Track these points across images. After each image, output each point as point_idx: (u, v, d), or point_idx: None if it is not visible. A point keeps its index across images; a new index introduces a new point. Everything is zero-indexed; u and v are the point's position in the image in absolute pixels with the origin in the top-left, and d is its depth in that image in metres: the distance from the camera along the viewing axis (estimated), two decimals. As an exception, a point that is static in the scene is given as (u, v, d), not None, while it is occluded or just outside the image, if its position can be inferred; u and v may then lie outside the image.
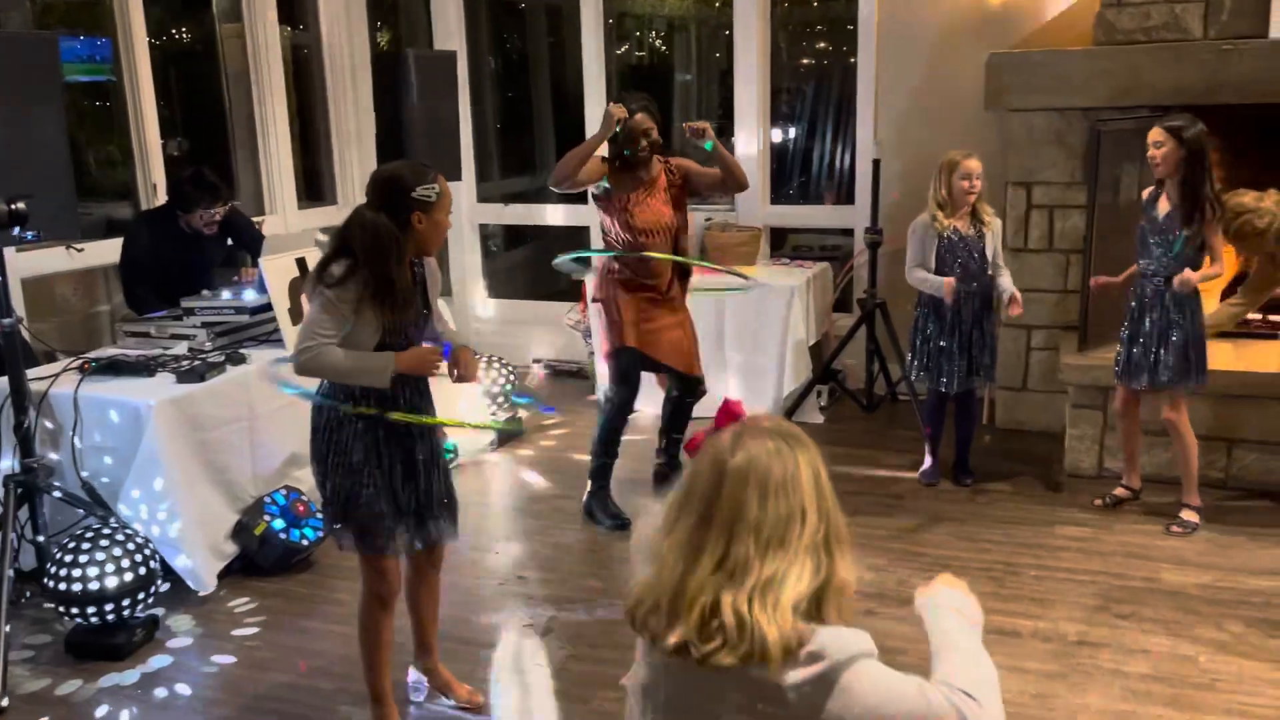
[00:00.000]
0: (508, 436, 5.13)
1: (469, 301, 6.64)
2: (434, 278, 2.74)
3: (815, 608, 1.36)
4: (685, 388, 4.25)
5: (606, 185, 3.99)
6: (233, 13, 5.65)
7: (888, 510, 4.21)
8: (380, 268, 2.45)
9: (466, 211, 6.56)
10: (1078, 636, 3.23)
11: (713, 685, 1.35)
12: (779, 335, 5.17)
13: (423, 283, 2.68)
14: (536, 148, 7.54)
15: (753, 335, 5.19)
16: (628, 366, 4.06)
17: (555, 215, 6.44)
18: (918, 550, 3.84)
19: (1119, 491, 4.18)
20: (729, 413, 1.62)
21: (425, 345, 2.64)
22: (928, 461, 4.47)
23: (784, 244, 6.23)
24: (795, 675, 1.30)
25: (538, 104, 7.47)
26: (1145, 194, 3.97)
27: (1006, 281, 4.21)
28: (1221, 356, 4.09)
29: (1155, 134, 3.73)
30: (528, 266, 7.35)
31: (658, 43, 8.02)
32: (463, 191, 6.44)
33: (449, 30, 6.23)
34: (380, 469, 2.62)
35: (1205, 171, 3.71)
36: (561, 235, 6.70)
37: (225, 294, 4.20)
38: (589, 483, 4.20)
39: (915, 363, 4.38)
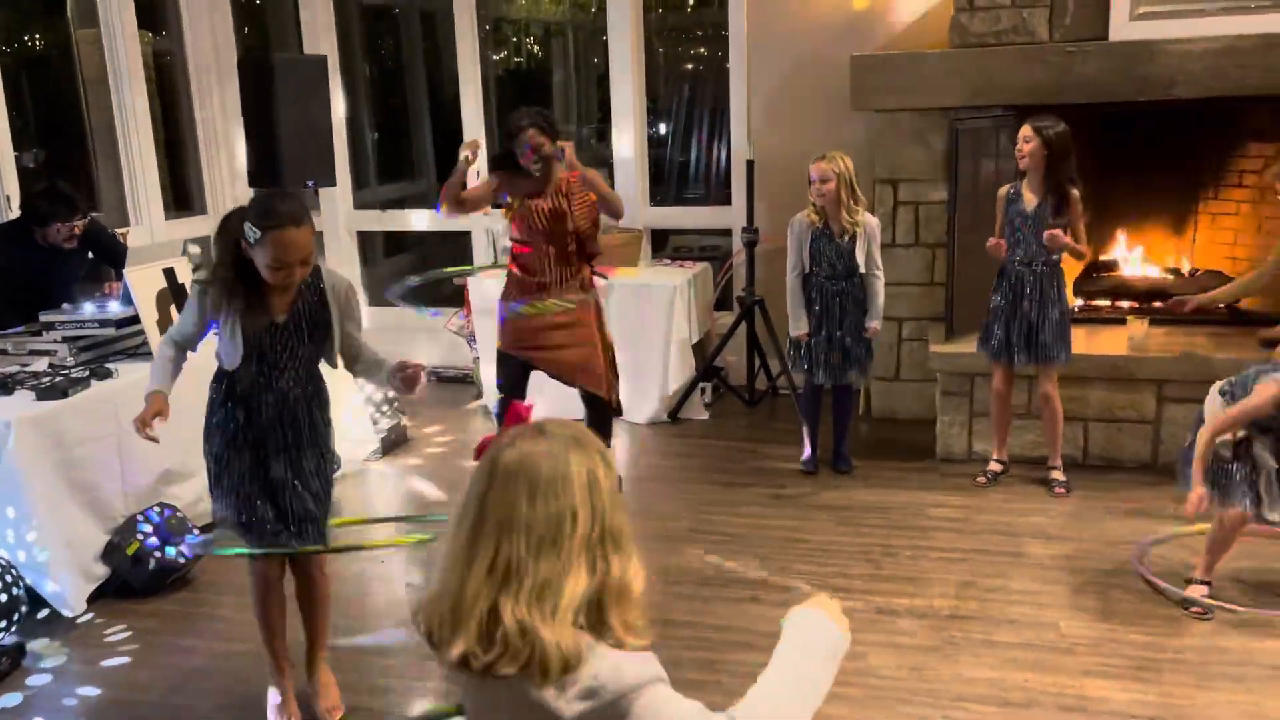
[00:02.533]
0: (391, 445, 5.07)
1: (349, 310, 6.51)
2: (338, 302, 2.70)
3: (597, 613, 1.31)
4: (587, 405, 4.12)
5: (507, 200, 4.03)
6: (88, 18, 5.44)
7: (771, 500, 4.32)
8: (219, 275, 2.54)
9: (344, 219, 6.46)
10: (950, 611, 3.38)
11: (499, 705, 1.32)
12: (662, 334, 5.25)
13: (310, 307, 2.65)
14: (415, 153, 7.47)
15: (636, 335, 5.25)
16: (501, 368, 4.08)
17: (435, 220, 6.40)
18: (799, 538, 3.95)
19: (994, 467, 4.43)
20: (515, 415, 1.54)
21: (156, 396, 2.62)
22: (807, 451, 4.61)
23: (665, 245, 6.33)
24: (576, 708, 1.25)
25: (415, 109, 7.40)
26: (1007, 189, 4.20)
27: (875, 302, 4.31)
28: (1074, 341, 4.33)
29: (1025, 131, 4.05)
30: (409, 273, 7.27)
31: (535, 48, 8.04)
32: (338, 198, 6.35)
33: (318, 35, 6.13)
34: (238, 464, 2.65)
35: (1068, 166, 4.02)
36: (441, 241, 6.67)
37: (88, 307, 4.05)
38: None
39: (793, 357, 4.51)
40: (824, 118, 5.29)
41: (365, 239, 6.74)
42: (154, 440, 2.58)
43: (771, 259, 5.27)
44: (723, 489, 4.45)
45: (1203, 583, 3.33)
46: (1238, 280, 4.41)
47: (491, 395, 5.01)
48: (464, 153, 3.95)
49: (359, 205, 6.59)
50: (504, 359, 4.09)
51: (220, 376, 2.69)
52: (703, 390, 5.47)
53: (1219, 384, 3.38)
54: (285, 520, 2.68)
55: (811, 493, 4.39)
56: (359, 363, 2.83)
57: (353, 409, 4.82)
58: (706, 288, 5.77)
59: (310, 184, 5.23)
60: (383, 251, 7.23)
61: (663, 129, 6.71)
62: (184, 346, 2.71)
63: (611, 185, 5.21)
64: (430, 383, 6.23)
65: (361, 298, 6.59)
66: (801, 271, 4.32)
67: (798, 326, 4.36)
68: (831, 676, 1.43)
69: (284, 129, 4.69)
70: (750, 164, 5.33)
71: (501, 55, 7.66)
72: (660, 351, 5.26)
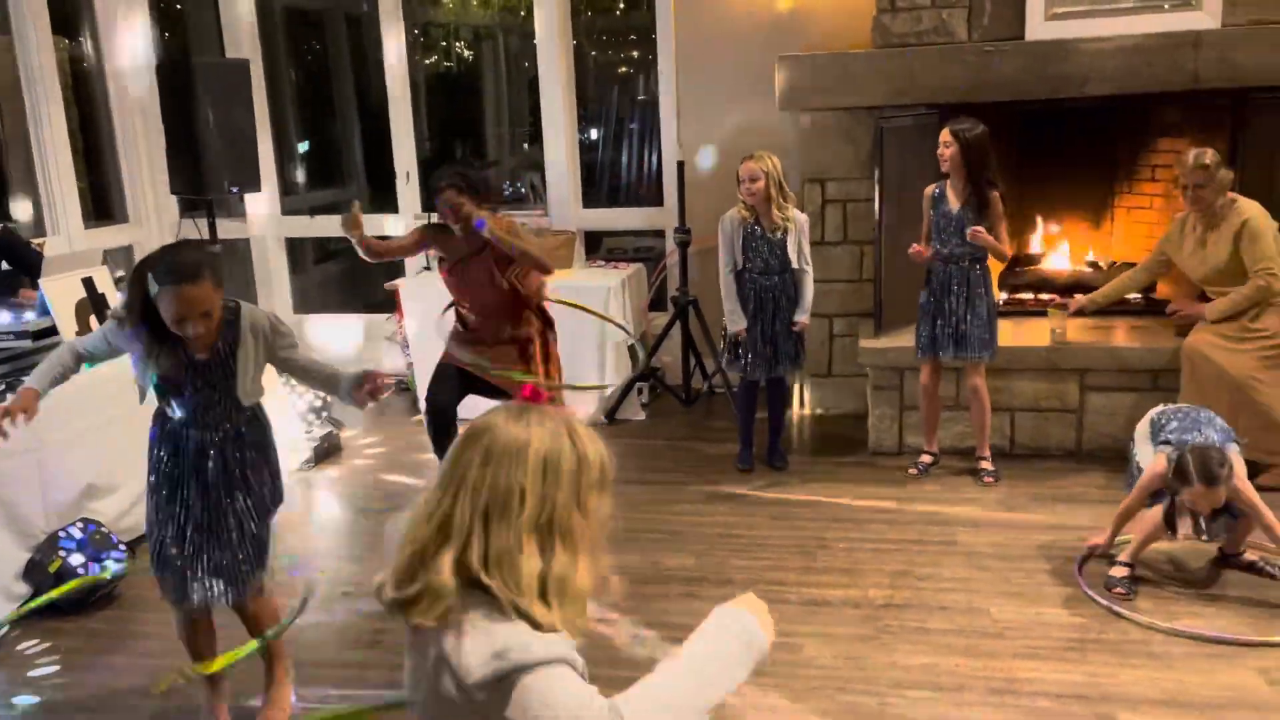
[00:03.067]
0: (324, 454, 5.01)
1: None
2: (259, 340, 2.62)
3: (542, 593, 1.34)
4: None
5: (440, 256, 3.97)
6: (0, 24, 5.28)
7: (707, 498, 4.35)
8: (128, 319, 2.49)
9: (271, 225, 6.36)
10: (884, 600, 3.43)
11: (425, 661, 1.35)
12: (598, 336, 5.25)
13: (230, 345, 2.58)
14: (344, 158, 7.38)
15: (572, 337, 5.24)
16: (438, 381, 3.96)
17: (368, 227, 6.31)
18: (736, 534, 3.98)
19: (925, 458, 4.52)
20: (534, 395, 1.60)
21: (28, 392, 2.53)
22: (742, 448, 4.65)
23: (599, 247, 6.34)
24: (478, 673, 1.27)
25: (343, 114, 7.31)
26: (932, 189, 4.29)
27: (805, 297, 4.35)
28: (1000, 334, 4.43)
29: (944, 135, 4.15)
30: (340, 279, 7.19)
31: (464, 52, 8.00)
32: (265, 204, 6.25)
33: (240, 39, 6.02)
34: (157, 504, 2.59)
35: (986, 168, 4.13)
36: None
37: (3, 318, 3.93)
38: None
39: (727, 355, 4.55)
40: (753, 117, 5.34)
41: (294, 246, 6.64)
42: (2, 436, 2.45)
43: (704, 259, 5.31)
44: (660, 488, 4.47)
45: (1126, 564, 3.43)
46: (1117, 279, 4.57)
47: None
48: (353, 235, 3.79)
49: (287, 211, 6.49)
50: (443, 371, 3.97)
51: (157, 413, 2.64)
52: (640, 391, 5.48)
53: (1152, 414, 3.55)
54: (196, 570, 2.61)
55: (747, 489, 4.42)
56: (311, 380, 2.80)
57: (281, 413, 4.74)
58: (641, 288, 5.78)
59: (234, 190, 5.15)
60: (313, 258, 7.13)
61: (594, 132, 6.72)
62: (83, 360, 2.65)
63: (544, 189, 5.24)
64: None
65: (288, 305, 6.51)
66: (735, 269, 4.36)
67: (735, 322, 4.38)
68: (741, 674, 1.39)
69: (205, 134, 4.61)
70: (681, 165, 5.36)
71: (431, 60, 7.60)
72: (596, 353, 5.27)
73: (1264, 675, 2.88)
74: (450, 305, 4.09)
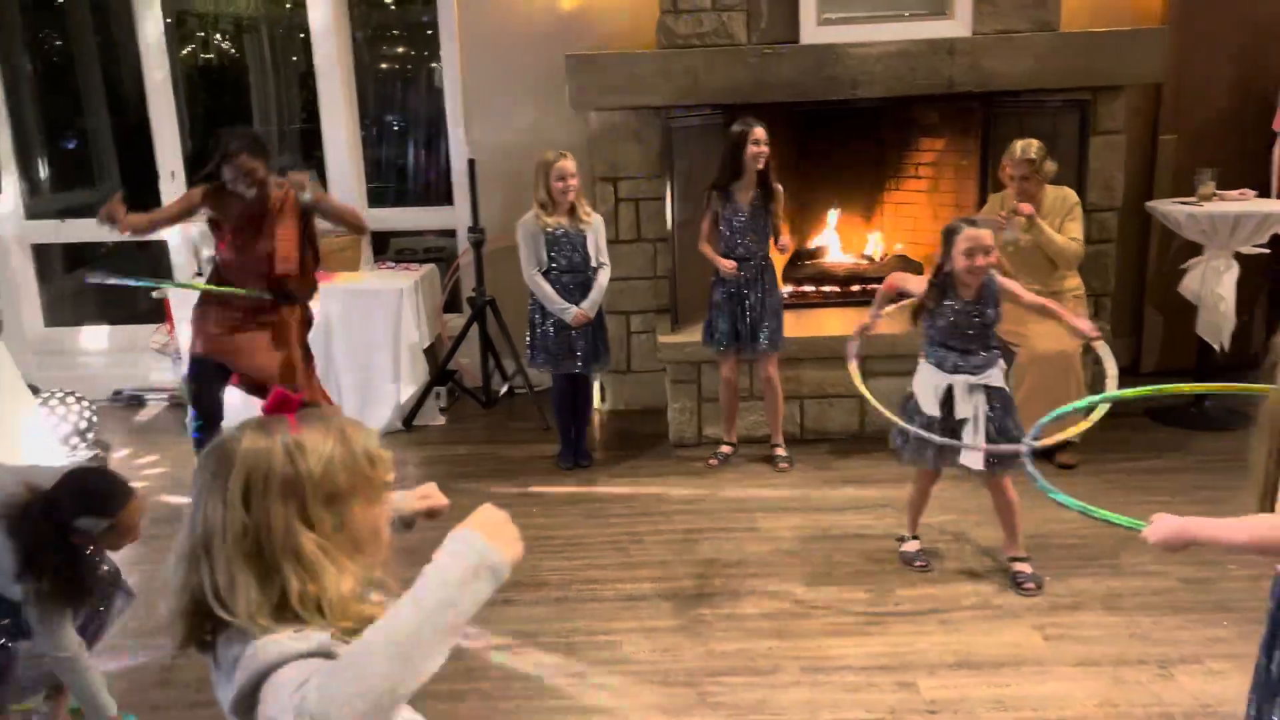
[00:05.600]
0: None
1: (24, 334, 5.81)
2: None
3: (279, 615, 1.26)
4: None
5: (212, 216, 3.97)
6: None
7: (516, 500, 4.30)
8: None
9: (15, 230, 5.78)
10: (696, 590, 3.51)
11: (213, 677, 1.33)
12: (391, 340, 5.09)
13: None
14: (94, 157, 6.79)
15: (364, 342, 5.07)
16: (198, 377, 3.93)
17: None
18: (547, 534, 3.97)
19: (725, 449, 4.65)
20: (281, 402, 1.36)
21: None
22: (563, 448, 4.64)
23: (387, 248, 6.14)
24: (237, 681, 1.21)
25: (92, 109, 6.72)
26: (722, 187, 4.40)
27: (593, 292, 4.37)
28: (786, 325, 4.62)
29: (760, 133, 4.24)
30: (99, 287, 6.61)
31: (227, 44, 7.53)
32: (6, 206, 5.67)
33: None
34: None
35: (771, 165, 4.31)
36: (136, 251, 6.12)
37: None
38: None
39: (530, 353, 4.52)
40: (543, 116, 5.33)
41: (42, 253, 6.05)
42: None
43: (499, 258, 5.25)
44: (467, 494, 4.36)
45: (913, 538, 3.66)
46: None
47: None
48: (116, 224, 3.72)
49: (32, 215, 5.91)
50: (197, 365, 3.99)
51: None
52: (438, 395, 5.36)
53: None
54: None
55: (556, 489, 4.41)
56: None
57: (39, 436, 4.32)
58: (434, 290, 5.65)
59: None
60: (62, 266, 6.52)
61: (377, 129, 6.50)
62: None
63: (325, 187, 5.02)
64: (163, 407, 5.69)
65: (38, 318, 5.95)
66: (540, 269, 4.34)
67: (567, 315, 4.34)
68: (471, 595, 1.22)
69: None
70: (472, 163, 5.27)
71: (188, 51, 7.11)
72: (390, 358, 5.10)
73: (1040, 631, 3.15)
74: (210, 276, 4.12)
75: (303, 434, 1.30)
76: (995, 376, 3.35)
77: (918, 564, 3.58)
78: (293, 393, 1.35)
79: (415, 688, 1.14)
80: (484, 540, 1.24)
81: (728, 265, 4.34)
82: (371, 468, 1.33)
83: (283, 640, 1.21)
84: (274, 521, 1.25)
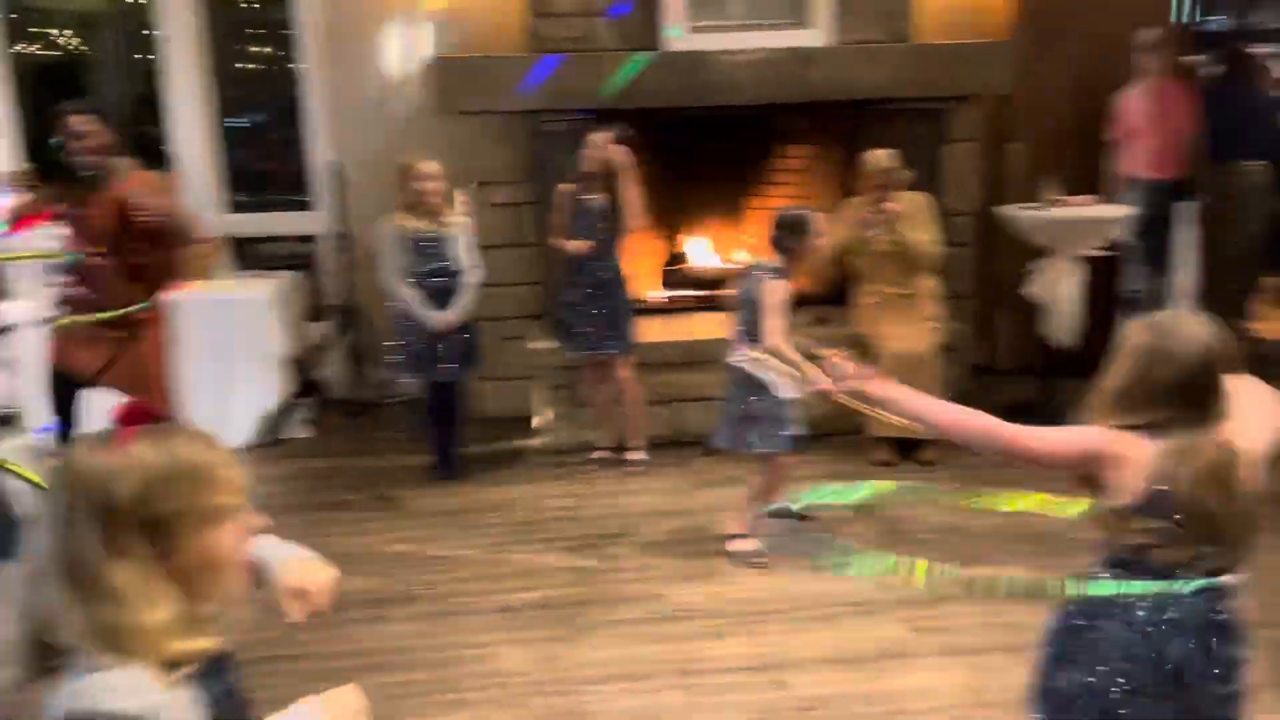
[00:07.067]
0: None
1: None
2: None
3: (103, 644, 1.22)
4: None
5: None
6: None
7: (387, 513, 4.21)
8: None
9: None
10: (575, 598, 3.49)
11: None
12: (254, 351, 4.90)
13: None
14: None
15: (224, 353, 4.85)
16: (51, 389, 3.66)
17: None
18: (418, 550, 3.87)
19: (602, 453, 4.64)
20: (134, 415, 1.29)
21: None
22: (439, 457, 4.54)
23: (247, 255, 5.90)
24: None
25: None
26: (571, 189, 4.40)
27: (459, 298, 4.30)
28: (656, 330, 4.64)
29: (595, 138, 4.28)
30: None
31: (70, 41, 7.14)
32: None
33: None
34: None
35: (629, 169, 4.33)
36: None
37: None
38: None
39: (398, 362, 4.42)
40: (410, 119, 5.21)
41: None
42: None
43: (366, 264, 5.11)
44: (335, 509, 4.25)
45: (744, 536, 3.70)
46: None
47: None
48: None
49: None
50: (52, 376, 3.69)
51: None
52: (302, 407, 5.18)
53: None
54: None
55: (427, 500, 4.33)
56: None
57: None
58: (298, 298, 5.46)
59: None
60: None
61: (235, 130, 6.24)
62: None
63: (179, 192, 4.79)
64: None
65: None
66: (405, 274, 4.25)
67: (432, 321, 4.25)
68: None
69: None
70: (336, 166, 5.12)
71: (26, 47, 6.70)
72: (252, 369, 4.91)
73: (909, 625, 3.25)
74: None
75: (129, 455, 1.22)
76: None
77: (755, 560, 3.64)
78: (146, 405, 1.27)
79: None
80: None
81: (576, 245, 4.31)
82: (208, 490, 1.25)
83: (104, 692, 1.16)
84: (81, 549, 1.20)
